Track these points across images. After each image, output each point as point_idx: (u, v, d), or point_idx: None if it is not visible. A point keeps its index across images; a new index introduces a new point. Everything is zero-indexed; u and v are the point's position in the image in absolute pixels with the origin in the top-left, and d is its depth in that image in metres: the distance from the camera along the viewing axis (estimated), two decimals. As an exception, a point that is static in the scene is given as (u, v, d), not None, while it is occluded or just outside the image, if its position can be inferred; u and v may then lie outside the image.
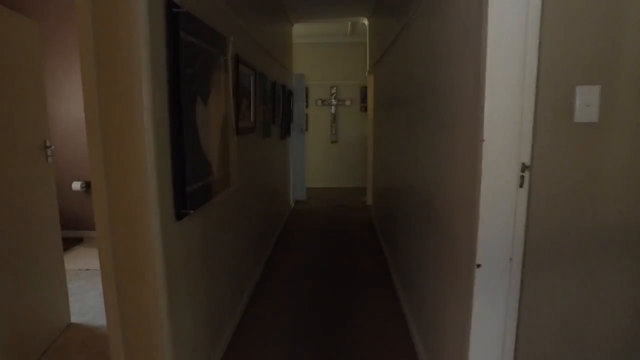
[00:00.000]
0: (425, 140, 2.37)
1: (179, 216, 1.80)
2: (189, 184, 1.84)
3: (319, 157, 8.26)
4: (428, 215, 2.29)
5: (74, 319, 3.01)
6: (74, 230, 5.03)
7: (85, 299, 3.41)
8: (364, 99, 8.04)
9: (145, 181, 1.61)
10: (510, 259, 1.46)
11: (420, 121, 2.46)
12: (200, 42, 2.01)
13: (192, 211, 1.84)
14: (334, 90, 8.16)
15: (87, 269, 4.07)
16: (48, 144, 2.73)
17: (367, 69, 6.54)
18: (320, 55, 8.10)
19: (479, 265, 1.46)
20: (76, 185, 4.93)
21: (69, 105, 4.85)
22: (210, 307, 2.32)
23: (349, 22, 7.04)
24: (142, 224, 1.64)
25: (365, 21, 6.50)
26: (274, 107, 4.52)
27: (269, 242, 4.44)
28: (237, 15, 2.87)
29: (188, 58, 1.86)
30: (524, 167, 1.42)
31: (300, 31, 7.11)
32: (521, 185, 1.43)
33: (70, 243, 4.79)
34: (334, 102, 8.20)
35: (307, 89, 7.69)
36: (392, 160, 4.02)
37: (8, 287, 2.32)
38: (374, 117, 5.80)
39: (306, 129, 7.27)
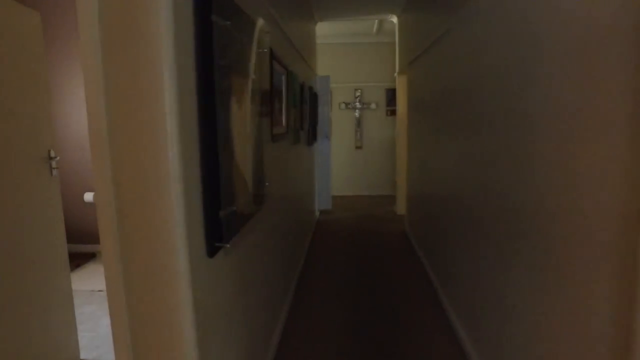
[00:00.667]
0: (508, 145, 1.92)
1: (212, 251, 1.38)
2: (223, 207, 1.43)
3: (343, 163, 7.80)
4: (513, 241, 1.84)
5: (83, 354, 2.62)
6: (86, 244, 4.68)
7: (97, 328, 3.02)
8: (390, 101, 7.59)
9: (168, 208, 1.20)
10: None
11: (499, 123, 2.02)
12: (235, 29, 1.60)
13: (227, 245, 1.42)
14: (358, 93, 7.72)
15: (100, 290, 3.69)
16: (53, 154, 2.35)
17: (397, 70, 6.10)
18: (344, 56, 7.68)
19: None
20: (88, 197, 4.55)
21: (80, 110, 4.49)
22: (245, 348, 1.89)
23: (376, 21, 6.62)
24: (164, 265, 1.23)
25: (394, 19, 6.08)
26: (302, 110, 4.11)
27: (297, 261, 4.00)
28: (269, 3, 2.47)
29: (222, 48, 1.45)
30: None
31: (323, 31, 6.70)
32: None
33: (82, 259, 4.43)
34: (358, 105, 7.75)
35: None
36: (437, 167, 3.58)
37: (5, 318, 1.94)
38: (408, 120, 5.35)
39: (329, 134, 6.85)
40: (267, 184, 2.05)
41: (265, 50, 2.04)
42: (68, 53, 4.40)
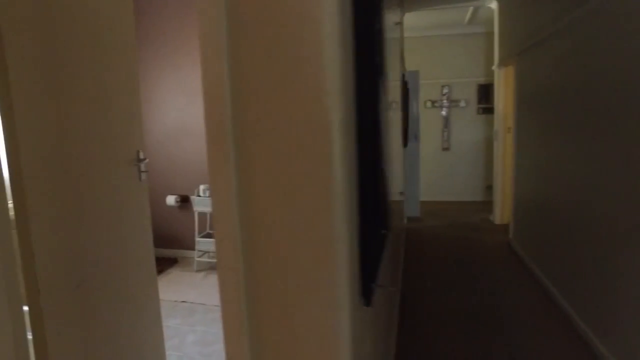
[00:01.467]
0: None
1: (368, 295, 0.96)
2: (377, 233, 1.01)
3: (429, 166, 7.14)
4: None
5: (170, 378, 2.34)
6: (167, 249, 4.52)
7: (184, 346, 2.75)
8: (482, 98, 6.90)
9: (324, 237, 0.80)
10: None
11: None
12: (385, 11, 1.18)
13: (391, 288, 0.99)
14: (445, 90, 7.09)
15: (183, 301, 3.45)
16: (142, 156, 2.08)
17: (496, 62, 5.44)
18: (429, 51, 7.07)
19: None
20: (170, 200, 4.41)
21: (163, 109, 4.33)
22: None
23: (470, 8, 5.98)
24: (315, 317, 0.84)
25: (493, 4, 5.43)
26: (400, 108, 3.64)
27: (397, 280, 3.49)
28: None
29: (377, 30, 1.04)
30: None
31: (407, 23, 6.17)
32: None
33: (163, 264, 4.26)
34: (446, 103, 7.12)
35: (415, 89, 6.71)
36: (566, 171, 2.96)
37: (97, 332, 1.67)
38: (515, 118, 4.68)
39: (415, 135, 6.27)
40: (400, 192, 1.61)
41: (397, 37, 1.61)
42: (155, 50, 4.26)
